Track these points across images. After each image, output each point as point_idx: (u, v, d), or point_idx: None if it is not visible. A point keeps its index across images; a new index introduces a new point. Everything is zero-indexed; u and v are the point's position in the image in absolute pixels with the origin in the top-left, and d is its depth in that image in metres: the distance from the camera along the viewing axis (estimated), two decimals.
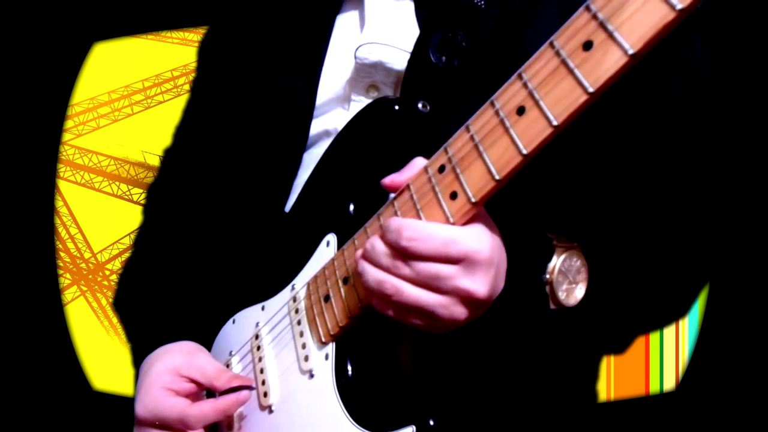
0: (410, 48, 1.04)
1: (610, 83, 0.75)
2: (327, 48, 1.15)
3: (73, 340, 2.55)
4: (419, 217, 0.88)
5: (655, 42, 0.72)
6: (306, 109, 1.13)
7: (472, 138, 0.85)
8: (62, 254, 2.61)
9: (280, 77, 1.16)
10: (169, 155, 1.36)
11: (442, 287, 0.86)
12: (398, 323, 0.91)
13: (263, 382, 1.07)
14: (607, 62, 0.74)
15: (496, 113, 0.82)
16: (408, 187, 0.91)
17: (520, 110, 0.80)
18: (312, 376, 1.01)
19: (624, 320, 1.05)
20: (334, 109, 1.13)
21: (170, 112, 2.50)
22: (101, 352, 2.54)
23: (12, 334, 2.50)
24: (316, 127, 1.13)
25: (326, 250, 1.03)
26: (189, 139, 1.32)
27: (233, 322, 1.17)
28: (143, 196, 1.42)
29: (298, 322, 1.04)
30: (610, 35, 0.73)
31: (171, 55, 2.62)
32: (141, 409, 1.09)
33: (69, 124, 2.61)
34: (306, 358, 1.02)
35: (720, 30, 2.02)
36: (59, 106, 2.58)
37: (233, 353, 1.15)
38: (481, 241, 0.86)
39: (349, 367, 0.98)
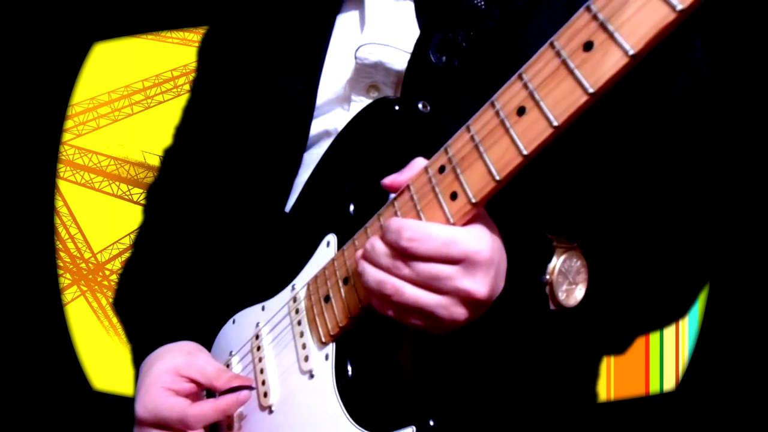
0: (410, 48, 1.04)
1: (611, 84, 0.75)
2: (327, 48, 1.15)
3: (73, 340, 2.55)
4: (419, 218, 0.88)
5: (655, 43, 0.72)
6: (306, 109, 1.13)
7: (472, 138, 0.85)
8: (62, 254, 2.61)
9: (280, 77, 1.16)
10: (169, 155, 1.36)
11: (442, 288, 0.86)
12: (398, 324, 0.91)
13: (263, 383, 1.07)
14: (608, 63, 0.74)
15: (497, 114, 0.82)
16: (408, 187, 0.91)
17: (521, 111, 0.80)
18: (312, 376, 1.01)
19: (624, 321, 1.05)
20: (334, 109, 1.13)
21: (170, 112, 2.50)
22: (101, 352, 2.54)
23: (12, 334, 2.50)
24: (316, 127, 1.13)
25: (326, 250, 1.03)
26: (189, 139, 1.32)
27: (233, 322, 1.17)
28: (143, 196, 1.42)
29: (299, 323, 1.04)
30: (611, 36, 0.73)
31: (171, 55, 2.62)
32: (141, 409, 1.09)
33: (69, 124, 2.61)
34: (306, 359, 1.02)
35: (720, 30, 2.02)
36: (59, 106, 2.57)
37: (233, 353, 1.15)
38: (481, 241, 0.85)
39: (349, 368, 0.98)
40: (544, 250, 0.94)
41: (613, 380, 2.47)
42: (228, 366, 1.14)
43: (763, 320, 2.30)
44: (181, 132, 1.35)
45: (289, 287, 1.07)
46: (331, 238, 1.03)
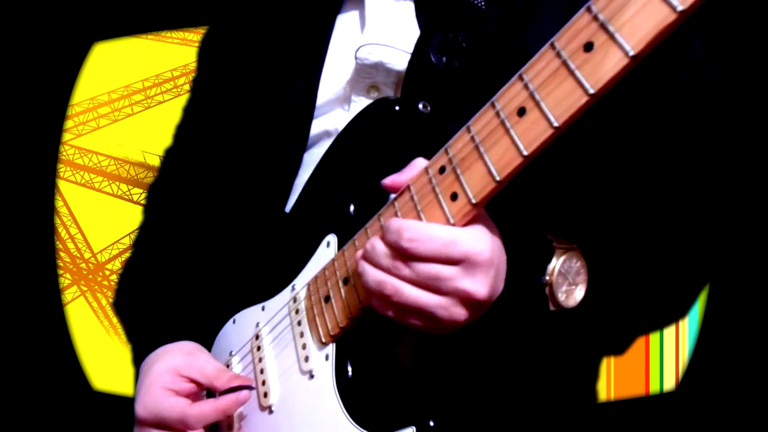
0: (411, 49, 1.04)
1: (611, 85, 0.75)
2: (327, 48, 1.15)
3: (73, 340, 2.55)
4: (420, 218, 0.88)
5: (656, 44, 0.72)
6: (306, 109, 1.13)
7: (472, 139, 0.85)
8: (62, 254, 2.61)
9: (281, 77, 1.16)
10: (169, 155, 1.36)
11: (442, 288, 0.86)
12: (398, 324, 0.91)
13: (263, 383, 1.07)
14: (608, 63, 0.74)
15: (497, 114, 0.82)
16: (408, 187, 0.91)
17: (521, 111, 0.80)
18: (312, 376, 1.01)
19: (624, 321, 1.05)
20: (334, 109, 1.13)
21: (170, 112, 2.50)
22: (101, 352, 2.54)
23: (12, 334, 2.50)
24: (316, 127, 1.13)
25: (326, 250, 1.03)
26: (189, 139, 1.32)
27: (233, 322, 1.16)
28: (143, 196, 1.42)
29: (299, 323, 1.04)
30: (611, 36, 0.73)
31: (171, 55, 2.62)
32: (141, 409, 1.09)
33: (69, 124, 2.61)
34: (306, 359, 1.02)
35: (720, 30, 2.02)
36: (59, 106, 2.57)
37: (233, 353, 1.15)
38: (481, 242, 0.85)
39: (350, 368, 0.98)
40: (544, 250, 0.95)
41: (613, 380, 2.47)
42: (228, 366, 1.14)
43: (763, 320, 2.30)
44: (181, 132, 1.35)
45: (290, 287, 1.07)
46: (332, 239, 1.03)
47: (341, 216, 1.03)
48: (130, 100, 2.64)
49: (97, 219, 2.62)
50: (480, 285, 0.86)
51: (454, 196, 0.86)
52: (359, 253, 0.92)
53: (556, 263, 0.94)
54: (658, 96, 1.03)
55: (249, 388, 1.07)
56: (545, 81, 0.78)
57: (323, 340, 1.00)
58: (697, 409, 2.38)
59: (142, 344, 1.18)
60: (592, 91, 0.75)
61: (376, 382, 0.99)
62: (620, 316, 1.03)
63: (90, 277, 2.62)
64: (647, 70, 0.94)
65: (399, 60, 1.06)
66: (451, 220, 0.86)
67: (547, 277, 0.94)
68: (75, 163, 2.62)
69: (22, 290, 2.52)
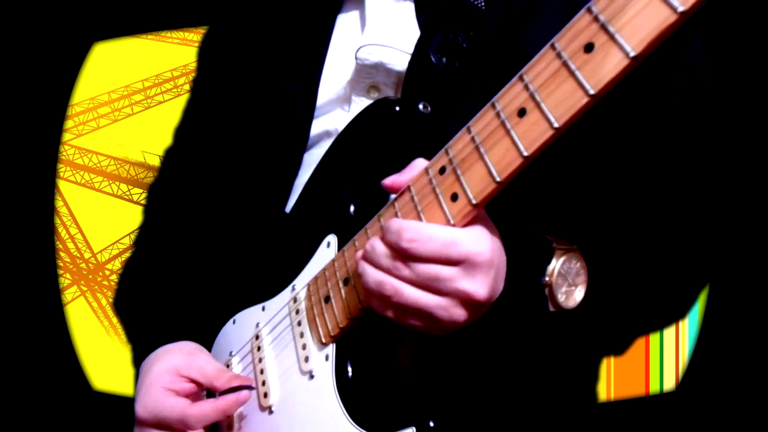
0: (411, 49, 1.04)
1: (612, 86, 0.75)
2: (328, 48, 1.15)
3: (73, 340, 2.55)
4: (420, 219, 0.88)
5: (656, 44, 0.72)
6: (307, 109, 1.13)
7: (473, 139, 0.85)
8: (62, 254, 2.61)
9: (281, 77, 1.16)
10: (169, 155, 1.36)
11: (441, 289, 0.86)
12: (398, 325, 0.91)
13: (263, 383, 1.07)
14: (609, 64, 0.74)
15: (497, 115, 0.82)
16: (409, 188, 0.91)
17: (521, 112, 0.80)
18: (312, 376, 1.01)
19: (623, 322, 1.05)
20: (334, 109, 1.13)
21: (170, 112, 2.50)
22: (101, 352, 2.54)
23: (12, 334, 2.50)
24: (316, 127, 1.13)
25: (327, 251, 1.03)
26: (189, 139, 1.32)
27: (233, 322, 1.16)
28: (143, 196, 1.42)
29: (299, 323, 1.04)
30: (612, 37, 0.73)
31: (171, 55, 2.62)
32: (141, 409, 1.09)
33: (69, 124, 2.61)
34: (306, 359, 1.02)
35: (720, 30, 2.02)
36: (59, 106, 2.57)
37: (233, 353, 1.15)
38: (481, 243, 0.85)
39: (350, 368, 0.98)
40: (544, 251, 0.95)
41: (613, 380, 2.47)
42: (228, 366, 1.14)
43: (763, 320, 2.30)
44: (181, 132, 1.35)
45: (290, 288, 1.07)
46: (332, 239, 1.03)
47: (341, 216, 1.03)
48: (130, 100, 2.63)
49: (97, 219, 2.62)
50: (480, 286, 0.85)
51: (454, 197, 0.86)
52: (359, 253, 0.92)
53: (555, 264, 0.94)
54: (658, 96, 1.03)
55: (249, 388, 1.07)
56: (546, 82, 0.78)
57: (323, 340, 1.00)
58: (697, 409, 2.38)
59: (142, 344, 1.18)
60: (592, 92, 0.75)
61: (376, 383, 0.99)
62: (620, 316, 1.03)
63: (90, 277, 2.62)
64: (647, 70, 0.94)
65: (399, 60, 1.06)
66: (452, 221, 0.86)
67: (547, 278, 0.94)
68: (75, 163, 2.62)
69: (22, 290, 2.52)
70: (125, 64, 2.62)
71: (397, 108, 1.00)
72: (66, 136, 2.61)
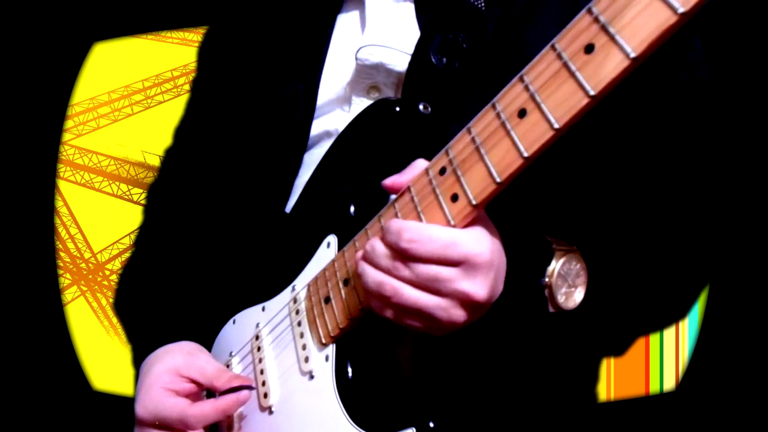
0: (411, 50, 1.04)
1: (612, 87, 0.74)
2: (328, 48, 1.15)
3: (73, 340, 2.55)
4: (420, 219, 0.88)
5: (657, 46, 0.72)
6: (307, 109, 1.13)
7: (473, 140, 0.85)
8: (62, 254, 2.61)
9: (281, 77, 1.16)
10: (169, 155, 1.36)
11: (441, 289, 0.86)
12: (398, 325, 0.91)
13: (263, 383, 1.07)
14: (609, 65, 0.74)
15: (498, 116, 0.82)
16: (409, 188, 0.91)
17: (522, 113, 0.80)
18: (312, 377, 1.01)
19: (623, 323, 1.05)
20: (334, 109, 1.13)
21: (170, 112, 2.50)
22: (101, 352, 2.54)
23: (12, 334, 2.50)
24: (316, 127, 1.13)
25: (327, 251, 1.03)
26: (189, 139, 1.32)
27: (233, 322, 1.16)
28: (143, 196, 1.42)
29: (299, 323, 1.04)
30: (612, 38, 0.73)
31: (171, 55, 2.62)
32: (141, 409, 1.09)
33: (69, 124, 2.61)
34: (306, 359, 1.02)
35: (720, 30, 2.02)
36: (59, 106, 2.57)
37: (233, 354, 1.15)
38: (481, 244, 0.85)
39: (350, 369, 0.98)
40: (544, 253, 0.95)
41: (613, 380, 2.47)
42: (228, 366, 1.14)
43: (763, 320, 2.30)
44: (181, 132, 1.35)
45: (290, 288, 1.07)
46: (332, 239, 1.03)
47: (341, 217, 1.03)
48: (130, 100, 2.63)
49: (97, 219, 2.62)
50: (479, 287, 0.85)
51: (454, 198, 0.86)
52: (359, 253, 0.92)
53: (555, 265, 0.94)
54: (658, 97, 1.03)
55: (249, 388, 1.07)
56: (546, 83, 0.78)
57: (323, 340, 1.00)
58: (697, 409, 2.38)
59: (142, 344, 1.18)
60: (592, 93, 0.75)
61: (376, 383, 0.98)
62: (620, 317, 1.03)
63: (90, 277, 2.62)
64: (646, 70, 0.94)
65: (399, 61, 1.06)
66: (452, 222, 0.86)
67: (547, 279, 0.94)
68: (75, 163, 2.62)
69: (22, 290, 2.52)
70: (125, 64, 2.62)
71: (398, 108, 1.00)
72: (66, 136, 2.61)
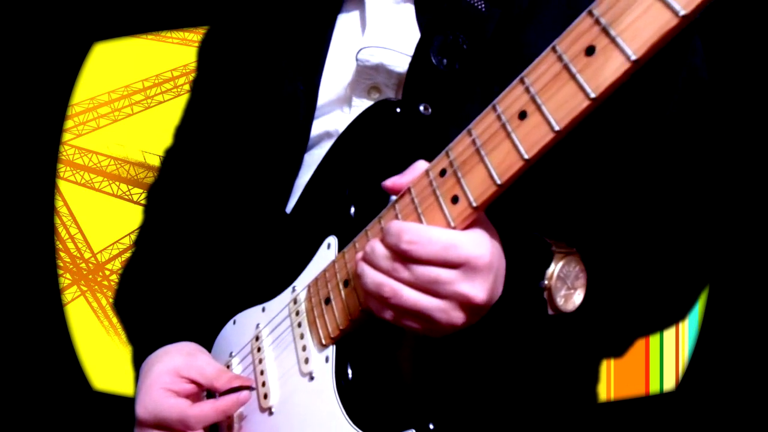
0: (411, 51, 1.04)
1: (613, 89, 0.74)
2: (328, 49, 1.15)
3: (73, 340, 2.55)
4: (420, 221, 0.88)
5: (658, 48, 0.71)
6: (307, 109, 1.13)
7: (473, 142, 0.85)
8: (62, 254, 2.61)
9: (281, 77, 1.16)
10: (169, 155, 1.36)
11: (440, 291, 0.86)
12: (398, 327, 0.91)
13: (263, 384, 1.07)
14: (610, 68, 0.73)
15: (498, 117, 0.82)
16: (409, 190, 0.91)
17: (522, 115, 0.80)
18: (312, 378, 1.01)
19: (623, 325, 1.05)
20: (334, 110, 1.13)
21: (170, 112, 2.50)
22: (101, 352, 2.54)
23: (12, 334, 2.50)
24: (316, 128, 1.13)
25: (327, 252, 1.03)
26: (189, 139, 1.32)
27: (234, 323, 1.16)
28: (143, 196, 1.42)
29: (299, 324, 1.04)
30: (613, 41, 0.73)
31: (171, 55, 2.62)
32: (141, 410, 1.09)
33: (69, 124, 2.61)
34: (306, 361, 1.02)
35: (720, 30, 2.02)
36: (59, 106, 2.57)
37: (233, 354, 1.15)
38: (481, 246, 0.85)
39: (350, 370, 0.98)
40: (543, 255, 0.94)
41: (613, 380, 2.47)
42: (228, 367, 1.14)
43: (763, 320, 2.30)
44: (181, 132, 1.35)
45: (290, 289, 1.07)
46: (332, 240, 1.03)
47: (342, 218, 1.03)
48: (130, 100, 2.63)
49: (97, 219, 2.62)
50: (479, 289, 0.85)
51: (454, 199, 0.86)
52: (359, 254, 0.92)
53: (554, 268, 0.94)
54: (658, 97, 1.03)
55: (249, 388, 1.07)
56: (547, 85, 0.78)
57: (323, 342, 1.00)
58: (697, 409, 2.38)
59: (143, 345, 1.18)
60: (593, 96, 0.75)
61: (376, 385, 0.98)
62: (619, 319, 1.03)
63: (90, 277, 2.62)
64: (646, 70, 0.94)
65: (400, 62, 1.06)
66: (452, 224, 0.86)
67: (546, 282, 0.94)
68: (75, 163, 2.62)
69: (22, 290, 2.52)
70: (125, 64, 2.62)
71: (398, 109, 1.00)
72: (66, 136, 2.61)
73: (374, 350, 1.00)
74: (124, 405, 1.18)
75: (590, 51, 0.75)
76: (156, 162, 2.56)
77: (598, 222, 1.03)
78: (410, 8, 1.10)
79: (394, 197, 0.94)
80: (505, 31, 1.03)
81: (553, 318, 0.95)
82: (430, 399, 1.00)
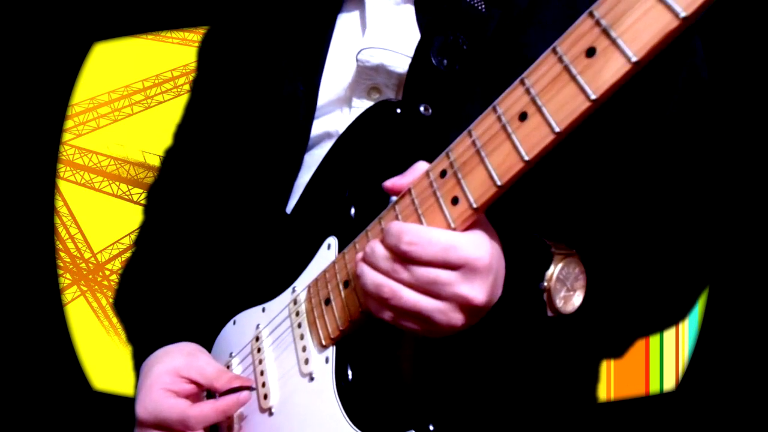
0: (412, 52, 1.04)
1: (613, 90, 0.74)
2: (328, 49, 1.15)
3: (73, 340, 2.55)
4: (420, 222, 0.88)
5: (658, 50, 0.71)
6: (307, 110, 1.13)
7: (474, 143, 0.84)
8: (62, 254, 2.61)
9: (281, 78, 1.16)
10: (169, 155, 1.36)
11: (440, 293, 0.85)
12: (398, 328, 0.91)
13: (263, 384, 1.07)
14: (610, 69, 0.73)
15: (498, 119, 0.82)
16: (409, 191, 0.91)
17: (522, 116, 0.80)
18: (312, 379, 1.01)
19: (622, 326, 1.05)
20: (335, 110, 1.13)
21: (170, 112, 2.50)
22: (101, 352, 2.54)
23: (12, 334, 2.50)
24: (317, 128, 1.13)
25: (327, 253, 1.03)
26: (189, 139, 1.32)
27: (234, 323, 1.16)
28: (143, 196, 1.42)
29: (299, 325, 1.04)
30: (614, 42, 0.73)
31: (171, 55, 2.62)
32: (141, 410, 1.09)
33: (69, 124, 2.61)
34: (306, 361, 1.02)
35: (720, 30, 2.02)
36: (59, 106, 2.57)
37: (233, 354, 1.15)
38: (480, 248, 0.85)
39: (350, 371, 0.98)
40: (543, 257, 0.94)
41: (613, 380, 2.47)
42: (228, 367, 1.14)
43: (763, 320, 2.30)
44: (181, 132, 1.35)
45: (290, 289, 1.07)
46: (332, 241, 1.03)
47: (342, 218, 1.03)
48: (130, 100, 2.63)
49: (97, 219, 2.62)
50: (478, 291, 0.85)
51: (455, 201, 0.86)
52: (359, 255, 0.92)
53: (554, 269, 0.94)
54: (657, 97, 1.03)
55: (249, 389, 1.07)
56: (547, 86, 0.78)
57: (323, 342, 1.00)
58: (697, 409, 2.38)
59: (143, 345, 1.18)
60: (593, 97, 0.75)
61: (376, 386, 0.98)
62: (619, 321, 1.03)
63: (90, 277, 2.62)
64: (646, 71, 0.94)
65: (400, 63, 1.06)
66: (452, 225, 0.86)
67: (546, 283, 0.94)
68: (75, 163, 2.62)
69: (22, 290, 2.52)
70: (125, 64, 2.62)
71: (398, 110, 1.00)
72: (66, 136, 2.61)
73: (374, 351, 1.00)
74: (124, 405, 1.18)
75: (591, 52, 0.75)
76: (156, 162, 2.56)
77: (597, 223, 1.03)
78: (410, 9, 1.10)
79: (394, 198, 0.94)
80: (505, 32, 1.03)
81: (552, 320, 0.95)
82: (430, 400, 1.00)
